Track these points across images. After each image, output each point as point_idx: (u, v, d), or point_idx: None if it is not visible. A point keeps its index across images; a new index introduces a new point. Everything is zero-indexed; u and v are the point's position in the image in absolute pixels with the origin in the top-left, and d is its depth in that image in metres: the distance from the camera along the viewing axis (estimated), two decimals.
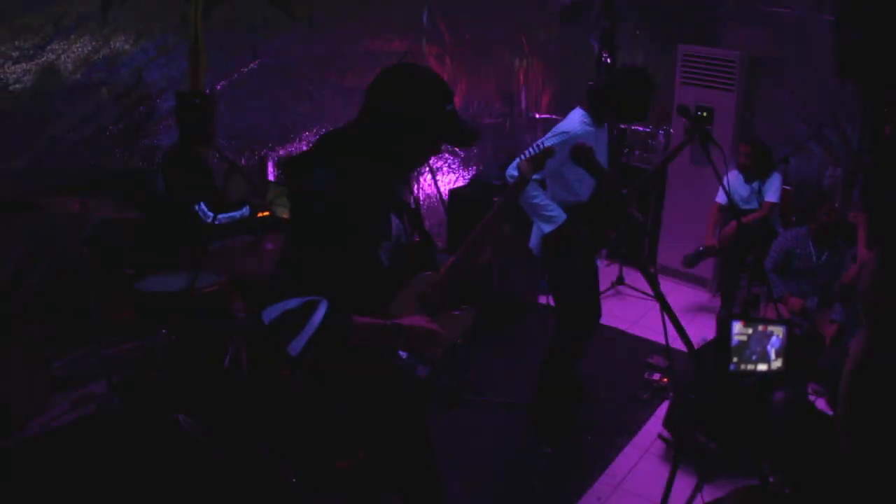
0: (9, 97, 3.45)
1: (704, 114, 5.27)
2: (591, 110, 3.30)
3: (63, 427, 3.36)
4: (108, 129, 3.84)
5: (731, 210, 4.46)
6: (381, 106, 1.76)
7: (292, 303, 1.64)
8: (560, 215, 3.24)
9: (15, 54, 3.43)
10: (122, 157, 3.93)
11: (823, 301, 4.28)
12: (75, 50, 3.64)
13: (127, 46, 3.84)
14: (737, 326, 3.05)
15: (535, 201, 3.24)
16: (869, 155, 4.79)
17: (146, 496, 2.89)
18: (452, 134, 1.86)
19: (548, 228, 3.26)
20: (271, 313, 1.65)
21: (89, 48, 3.69)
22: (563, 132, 3.21)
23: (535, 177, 3.16)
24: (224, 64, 4.28)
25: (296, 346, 1.65)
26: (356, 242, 1.74)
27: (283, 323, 1.65)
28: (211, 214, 3.56)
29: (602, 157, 3.33)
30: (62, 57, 3.60)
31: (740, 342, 3.05)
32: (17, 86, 3.47)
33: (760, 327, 3.08)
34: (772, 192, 4.82)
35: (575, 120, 3.28)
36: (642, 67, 3.98)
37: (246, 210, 3.81)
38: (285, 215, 3.97)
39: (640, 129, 6.05)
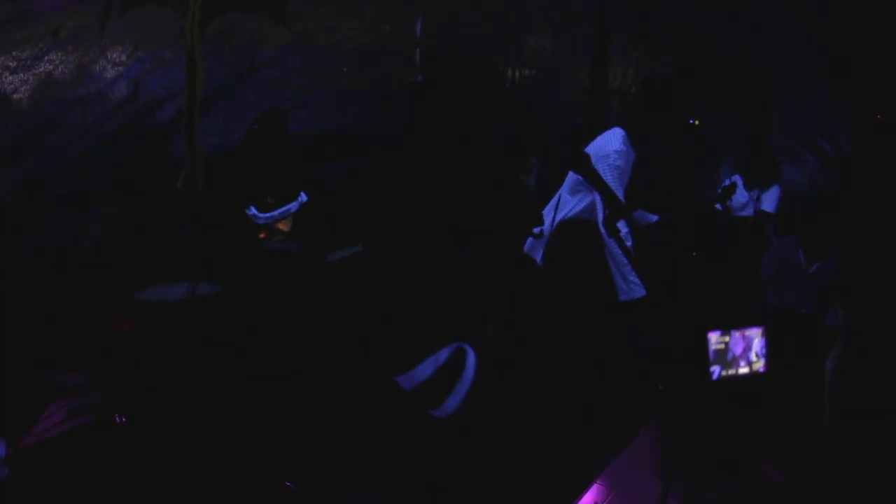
0: (6, 107, 3.46)
1: (697, 122, 5.31)
2: (630, 126, 3.30)
3: (60, 437, 3.35)
4: (104, 139, 3.83)
5: (724, 215, 4.50)
6: (439, 108, 1.48)
7: (441, 355, 1.39)
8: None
9: (13, 64, 3.44)
10: (120, 169, 3.92)
11: (818, 310, 4.29)
12: (73, 61, 3.65)
13: (124, 58, 3.85)
14: (713, 336, 3.06)
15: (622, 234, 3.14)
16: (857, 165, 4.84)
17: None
18: (519, 115, 1.53)
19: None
20: (422, 372, 1.38)
21: (87, 59, 3.70)
22: (616, 153, 3.21)
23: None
24: (221, 75, 4.29)
25: (451, 404, 1.41)
26: (440, 265, 1.50)
27: (436, 382, 1.39)
28: (262, 215, 3.62)
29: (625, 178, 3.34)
30: (60, 68, 3.61)
31: (717, 350, 3.07)
32: (15, 96, 3.48)
33: (738, 332, 3.11)
34: (769, 202, 4.86)
35: (618, 140, 3.26)
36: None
37: (303, 196, 3.77)
38: (282, 226, 3.98)
39: None
